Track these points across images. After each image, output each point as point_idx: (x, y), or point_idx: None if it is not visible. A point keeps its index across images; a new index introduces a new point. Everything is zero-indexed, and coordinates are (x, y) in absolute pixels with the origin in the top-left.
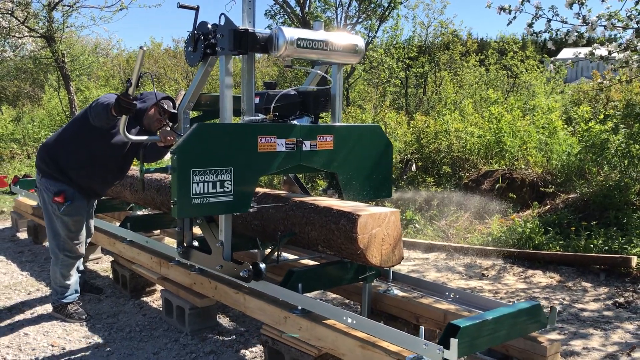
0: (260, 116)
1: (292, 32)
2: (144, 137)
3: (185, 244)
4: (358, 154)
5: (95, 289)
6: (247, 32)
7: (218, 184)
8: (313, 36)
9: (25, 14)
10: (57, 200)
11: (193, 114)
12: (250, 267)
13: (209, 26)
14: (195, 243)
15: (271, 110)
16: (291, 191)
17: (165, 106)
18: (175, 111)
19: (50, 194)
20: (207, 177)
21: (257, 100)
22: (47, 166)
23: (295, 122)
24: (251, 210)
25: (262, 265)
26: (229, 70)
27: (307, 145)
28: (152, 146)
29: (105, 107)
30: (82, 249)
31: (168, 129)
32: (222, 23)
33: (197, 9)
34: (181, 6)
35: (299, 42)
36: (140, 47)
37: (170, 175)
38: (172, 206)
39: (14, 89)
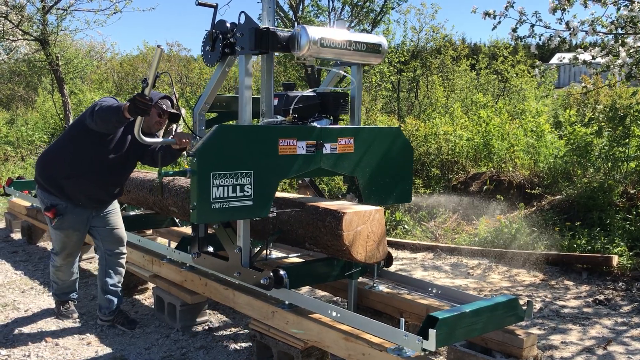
0: (279, 118)
1: (315, 31)
2: (159, 140)
3: (199, 250)
4: (379, 158)
5: (129, 322)
6: (268, 31)
7: (238, 187)
8: (337, 35)
9: (20, 17)
10: (47, 215)
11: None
12: (271, 274)
13: (228, 25)
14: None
15: (290, 112)
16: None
17: (164, 106)
18: (175, 111)
19: (43, 207)
20: (227, 181)
21: (275, 101)
22: (42, 179)
23: (315, 124)
24: (271, 215)
25: (283, 272)
26: (248, 71)
27: (327, 148)
28: (166, 149)
29: (115, 110)
30: (73, 258)
31: (184, 130)
32: (241, 21)
33: (215, 7)
34: (200, 4)
35: (322, 41)
36: (158, 46)
37: (189, 179)
38: (191, 211)
39: (7, 91)
